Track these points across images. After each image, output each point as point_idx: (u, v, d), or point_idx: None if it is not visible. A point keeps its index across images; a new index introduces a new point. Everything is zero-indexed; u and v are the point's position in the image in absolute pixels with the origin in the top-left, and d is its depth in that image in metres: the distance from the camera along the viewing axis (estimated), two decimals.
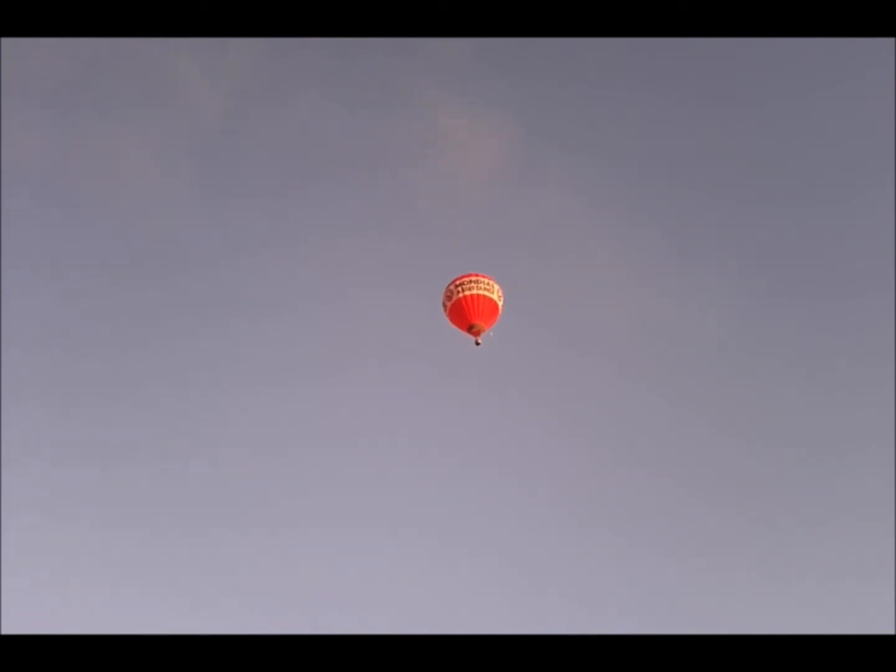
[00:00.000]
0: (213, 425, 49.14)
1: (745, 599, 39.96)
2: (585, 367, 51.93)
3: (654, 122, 55.31)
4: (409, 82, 54.51)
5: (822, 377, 49.76)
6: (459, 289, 33.80)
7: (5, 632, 24.82)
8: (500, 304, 34.23)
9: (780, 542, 42.85)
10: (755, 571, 41.67)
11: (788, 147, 54.68)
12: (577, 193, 53.47)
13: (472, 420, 49.08)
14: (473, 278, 33.95)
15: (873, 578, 38.23)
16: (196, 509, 44.80)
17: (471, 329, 34.02)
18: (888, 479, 39.81)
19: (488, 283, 34.03)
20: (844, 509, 43.44)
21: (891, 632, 23.07)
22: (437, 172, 53.77)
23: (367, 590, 41.37)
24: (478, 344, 34.12)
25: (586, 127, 56.08)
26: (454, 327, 34.36)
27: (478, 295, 33.72)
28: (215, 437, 48.46)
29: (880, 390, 44.80)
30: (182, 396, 49.79)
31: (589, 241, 54.69)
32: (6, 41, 37.94)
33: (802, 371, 50.15)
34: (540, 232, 54.33)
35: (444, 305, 34.39)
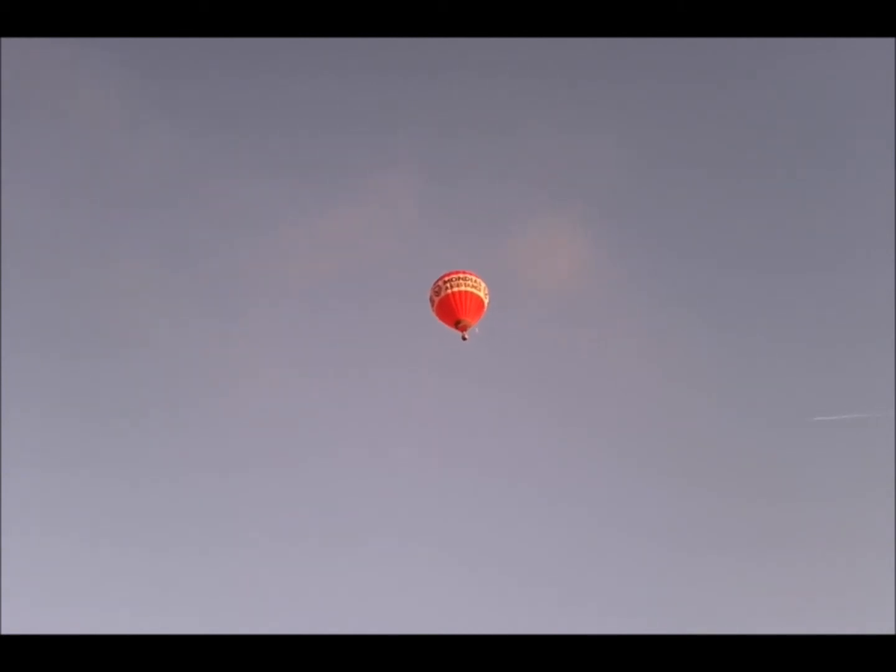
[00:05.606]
0: (209, 429, 49.41)
1: (745, 599, 40.11)
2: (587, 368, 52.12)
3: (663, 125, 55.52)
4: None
5: (820, 374, 49.90)
6: (447, 285, 33.84)
7: (5, 632, 24.88)
8: (486, 300, 34.35)
9: (781, 542, 42.97)
10: (755, 572, 41.79)
11: (787, 148, 54.74)
12: None
13: (470, 421, 49.29)
14: (461, 275, 34.03)
15: (873, 578, 38.28)
16: (194, 510, 45.00)
17: (458, 325, 34.14)
18: (888, 479, 39.87)
19: (475, 281, 34.12)
20: (845, 509, 43.53)
21: (891, 632, 23.11)
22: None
23: (366, 591, 41.44)
24: (464, 339, 34.21)
25: None
26: (441, 322, 34.48)
27: (465, 292, 33.83)
28: (212, 440, 48.72)
29: (879, 390, 44.84)
30: (182, 403, 50.09)
31: None
32: (6, 41, 38.09)
33: (801, 368, 50.29)
34: None
35: (432, 301, 34.44)
